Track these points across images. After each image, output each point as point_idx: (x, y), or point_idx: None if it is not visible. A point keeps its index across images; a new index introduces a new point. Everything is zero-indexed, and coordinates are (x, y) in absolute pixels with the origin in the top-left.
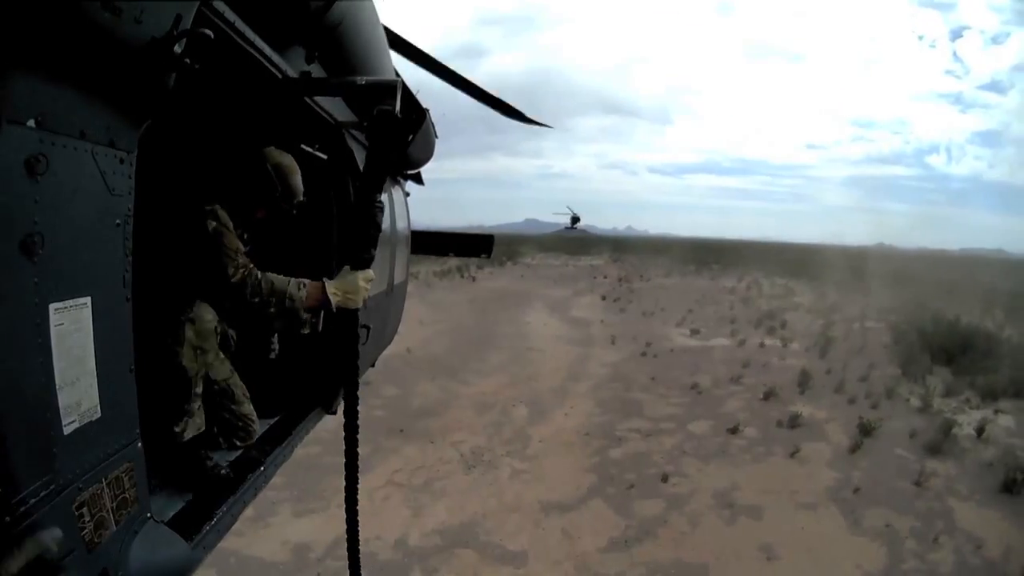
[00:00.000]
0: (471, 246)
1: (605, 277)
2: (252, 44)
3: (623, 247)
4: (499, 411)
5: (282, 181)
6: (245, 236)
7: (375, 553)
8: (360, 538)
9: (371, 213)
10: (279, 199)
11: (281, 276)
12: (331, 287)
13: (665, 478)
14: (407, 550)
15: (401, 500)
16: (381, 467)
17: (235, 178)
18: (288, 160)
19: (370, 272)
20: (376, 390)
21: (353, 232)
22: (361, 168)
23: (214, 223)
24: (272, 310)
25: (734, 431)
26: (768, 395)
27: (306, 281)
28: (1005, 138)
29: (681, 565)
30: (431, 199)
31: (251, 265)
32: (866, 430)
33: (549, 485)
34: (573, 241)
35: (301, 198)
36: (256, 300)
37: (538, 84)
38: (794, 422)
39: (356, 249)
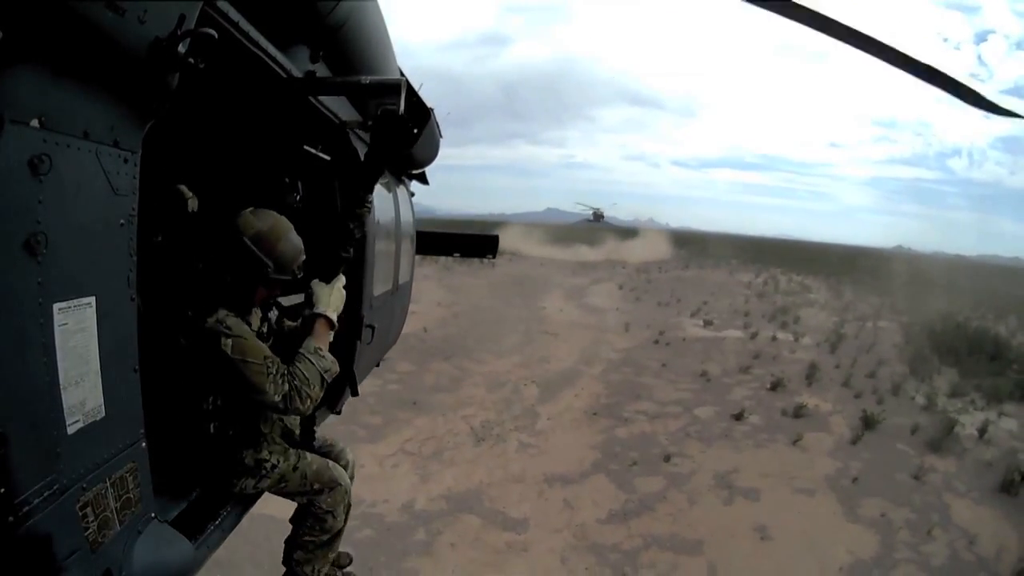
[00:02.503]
0: (476, 247)
1: (623, 267)
2: (256, 44)
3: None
4: (510, 389)
5: (268, 252)
6: (266, 321)
7: (383, 515)
8: (368, 500)
9: (358, 210)
10: (272, 274)
11: (304, 358)
12: (330, 313)
13: (667, 458)
14: (413, 513)
15: (411, 467)
16: (393, 436)
17: (220, 263)
18: (269, 223)
19: (342, 277)
20: (392, 366)
21: (337, 228)
22: None
23: (228, 340)
24: (320, 392)
25: (739, 417)
26: (775, 385)
27: (318, 346)
28: None
29: (677, 539)
30: (452, 186)
31: (285, 370)
32: (869, 423)
33: (554, 459)
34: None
35: (301, 262)
36: (307, 404)
37: (562, 74)
38: (799, 412)
39: (336, 247)
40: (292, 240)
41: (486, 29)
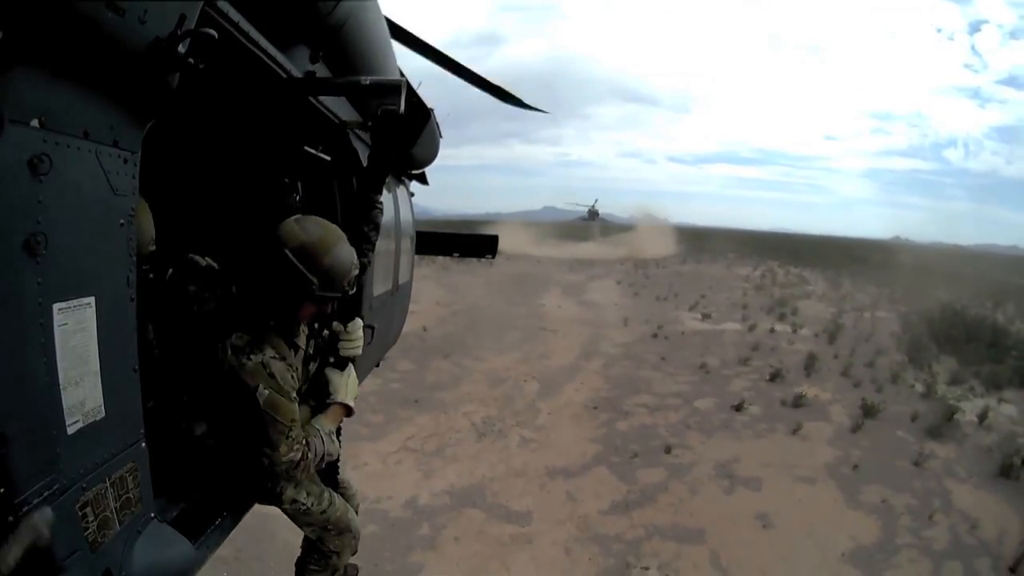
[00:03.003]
0: (475, 247)
1: (621, 263)
2: (256, 44)
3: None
4: (511, 385)
5: (313, 267)
6: (314, 340)
7: (387, 511)
8: (372, 496)
9: (371, 213)
10: (318, 291)
11: (319, 435)
12: (349, 402)
13: (668, 449)
14: (417, 508)
15: (413, 464)
16: (395, 434)
17: (261, 280)
18: (315, 233)
19: (351, 367)
20: (392, 365)
21: (353, 235)
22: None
23: (267, 391)
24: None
25: (738, 408)
26: (774, 376)
27: (331, 430)
28: (1023, 134)
29: (679, 528)
30: (449, 186)
31: (304, 439)
32: (869, 411)
33: (556, 453)
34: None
35: (353, 276)
36: (303, 476)
37: (557, 72)
38: (798, 402)
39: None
40: (342, 253)
41: (480, 28)
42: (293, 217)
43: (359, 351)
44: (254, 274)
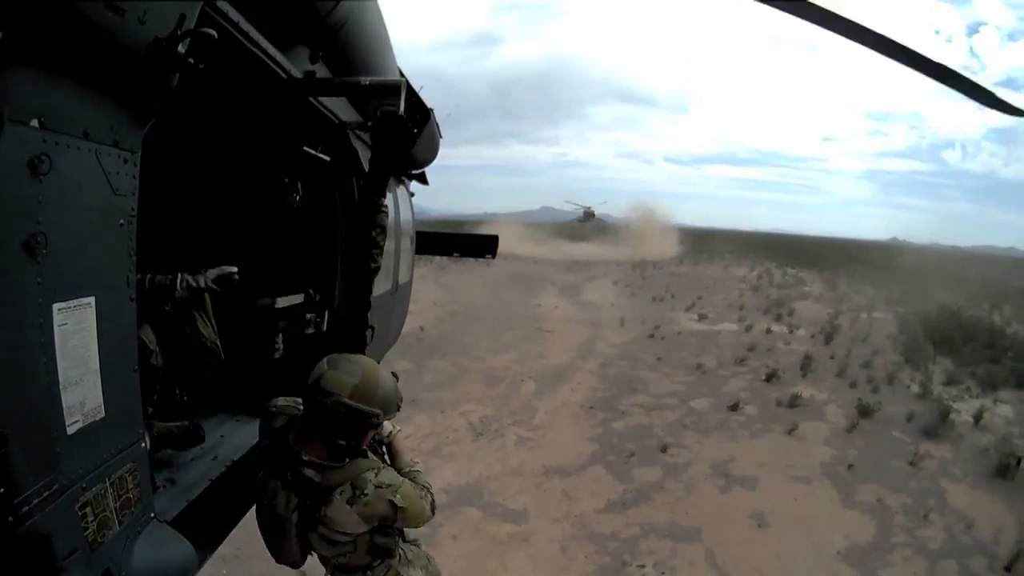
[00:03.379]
0: (476, 246)
1: (618, 264)
2: (256, 44)
3: None
4: (508, 385)
5: (372, 402)
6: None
7: None
8: None
9: (377, 217)
10: (381, 420)
11: (417, 472)
12: (395, 430)
13: (664, 449)
14: None
15: None
16: None
17: (326, 432)
18: (359, 372)
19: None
20: (389, 365)
21: (361, 240)
22: (365, 168)
23: (397, 494)
24: None
25: (734, 408)
26: (770, 377)
27: (415, 459)
28: (1021, 136)
29: (674, 527)
30: (447, 186)
31: (426, 485)
32: (865, 412)
33: (552, 452)
34: (590, 228)
35: (400, 393)
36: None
37: (554, 72)
38: (794, 402)
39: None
40: (387, 378)
41: (478, 29)
42: (324, 362)
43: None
44: (314, 428)
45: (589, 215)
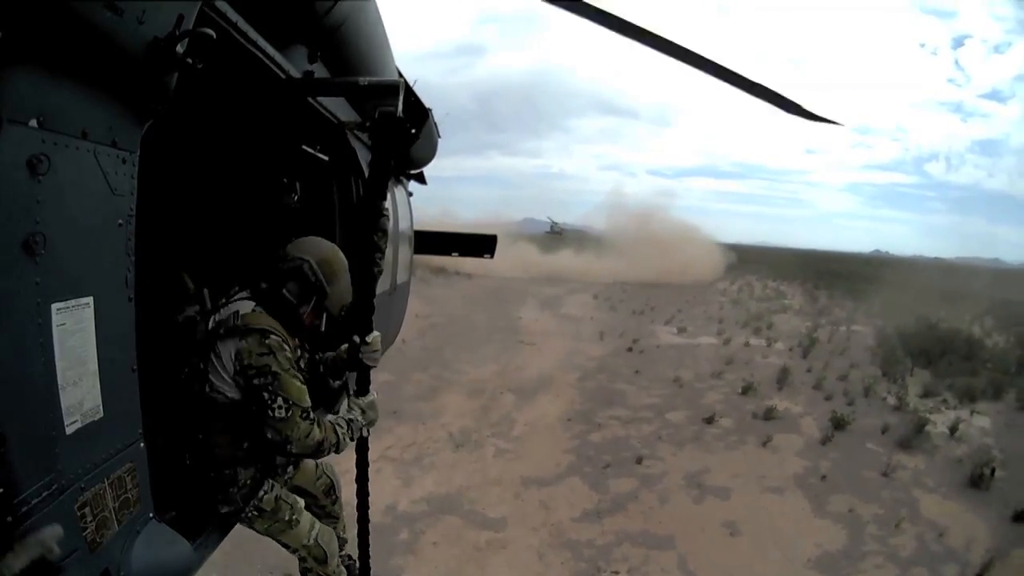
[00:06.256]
0: (474, 246)
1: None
2: (255, 44)
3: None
4: (488, 397)
5: (329, 281)
6: (301, 355)
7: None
8: (354, 503)
9: (378, 220)
10: (327, 303)
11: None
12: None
13: (640, 460)
14: (396, 515)
15: (392, 472)
16: (375, 444)
17: (273, 282)
18: (334, 255)
19: (373, 394)
20: (372, 377)
21: (364, 245)
22: (364, 168)
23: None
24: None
25: (710, 421)
26: (746, 389)
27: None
28: (1005, 148)
29: (648, 535)
30: (429, 196)
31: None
32: (839, 424)
33: (530, 463)
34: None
35: (347, 303)
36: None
37: (538, 84)
38: (769, 415)
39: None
40: (348, 279)
41: (461, 39)
42: (306, 237)
43: (378, 362)
44: (267, 276)
45: (556, 230)
